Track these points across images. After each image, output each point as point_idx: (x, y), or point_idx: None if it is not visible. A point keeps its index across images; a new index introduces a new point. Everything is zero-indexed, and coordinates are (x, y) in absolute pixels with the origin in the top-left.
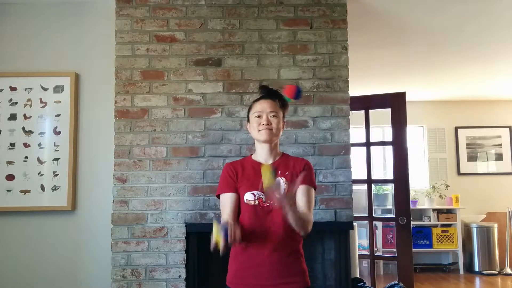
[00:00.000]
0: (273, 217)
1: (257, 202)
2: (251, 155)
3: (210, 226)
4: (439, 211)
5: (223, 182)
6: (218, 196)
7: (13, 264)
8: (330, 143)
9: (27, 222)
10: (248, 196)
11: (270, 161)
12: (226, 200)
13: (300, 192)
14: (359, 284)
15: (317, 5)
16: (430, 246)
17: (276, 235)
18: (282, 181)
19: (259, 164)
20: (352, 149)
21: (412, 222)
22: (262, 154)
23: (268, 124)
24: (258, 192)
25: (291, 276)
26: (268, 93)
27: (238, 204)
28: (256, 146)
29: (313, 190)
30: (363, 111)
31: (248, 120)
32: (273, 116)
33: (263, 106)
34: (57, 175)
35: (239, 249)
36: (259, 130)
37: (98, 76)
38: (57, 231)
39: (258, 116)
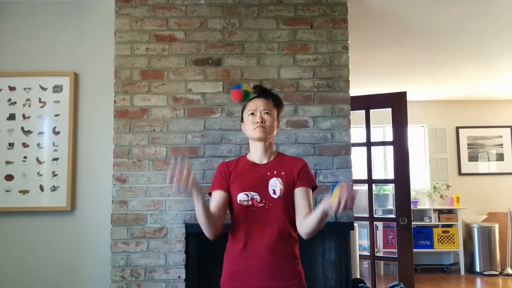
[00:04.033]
0: (268, 218)
1: (250, 202)
2: (246, 154)
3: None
4: (440, 212)
5: (215, 180)
6: (210, 194)
7: (12, 264)
8: (331, 143)
9: (26, 223)
10: (241, 197)
11: (265, 161)
12: (214, 197)
13: (301, 194)
14: (359, 285)
15: (318, 4)
16: (431, 246)
17: (270, 237)
18: (278, 181)
19: (253, 164)
20: (353, 149)
21: (413, 223)
22: (256, 154)
23: (261, 122)
24: (252, 193)
25: (286, 279)
26: (262, 92)
27: (227, 204)
28: (250, 146)
29: (311, 192)
30: (363, 111)
31: (242, 119)
32: (267, 114)
33: (257, 104)
34: (56, 175)
35: (234, 251)
36: (253, 129)
37: (97, 76)
38: (56, 232)
39: (252, 114)
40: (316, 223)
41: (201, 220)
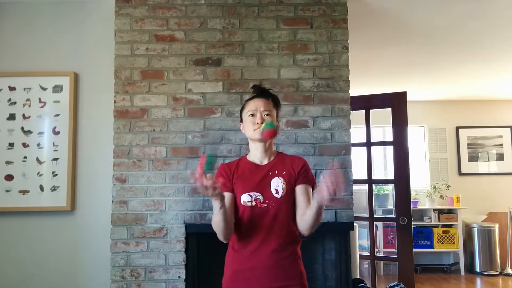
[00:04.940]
0: (271, 218)
1: (254, 203)
2: (246, 155)
3: (209, 227)
4: (440, 212)
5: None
6: None
7: (12, 264)
8: (331, 143)
9: (26, 223)
10: (245, 198)
11: (265, 161)
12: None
13: (301, 191)
14: (359, 285)
15: (318, 4)
16: (431, 246)
17: (274, 237)
18: (280, 181)
19: (254, 165)
20: (353, 149)
21: (413, 223)
22: (256, 154)
23: (262, 123)
24: (255, 193)
25: (289, 279)
26: (261, 92)
27: (233, 205)
28: (250, 146)
29: (311, 190)
30: (363, 111)
31: (241, 120)
32: (267, 115)
33: (257, 105)
34: (56, 175)
35: (236, 251)
36: (254, 130)
37: (97, 76)
38: (56, 232)
39: (252, 115)
40: (314, 216)
41: (220, 224)
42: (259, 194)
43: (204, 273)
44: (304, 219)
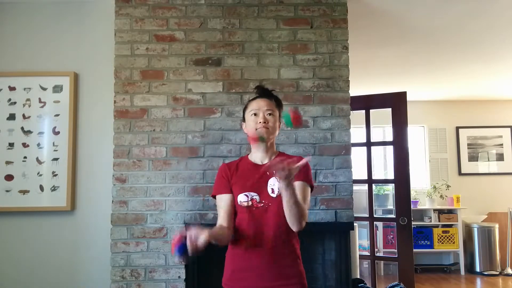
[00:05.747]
0: (268, 218)
1: (250, 203)
2: (248, 155)
3: (209, 227)
4: (440, 212)
5: (217, 182)
6: (214, 197)
7: (12, 264)
8: (331, 143)
9: (26, 223)
10: (241, 198)
11: (266, 161)
12: (221, 202)
13: (296, 188)
14: (359, 285)
15: (318, 4)
16: (431, 246)
17: (272, 236)
18: (276, 180)
19: (254, 165)
20: (353, 149)
21: (413, 223)
22: (258, 154)
23: (265, 122)
24: (252, 193)
25: (288, 279)
26: (264, 92)
27: (233, 205)
28: (252, 146)
29: (309, 188)
30: (363, 111)
31: (243, 119)
32: (270, 114)
33: (260, 104)
34: (56, 175)
35: (236, 251)
36: (256, 129)
37: (97, 76)
38: (56, 232)
39: (255, 114)
40: (287, 206)
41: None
42: (255, 194)
43: (204, 273)
44: (285, 212)
